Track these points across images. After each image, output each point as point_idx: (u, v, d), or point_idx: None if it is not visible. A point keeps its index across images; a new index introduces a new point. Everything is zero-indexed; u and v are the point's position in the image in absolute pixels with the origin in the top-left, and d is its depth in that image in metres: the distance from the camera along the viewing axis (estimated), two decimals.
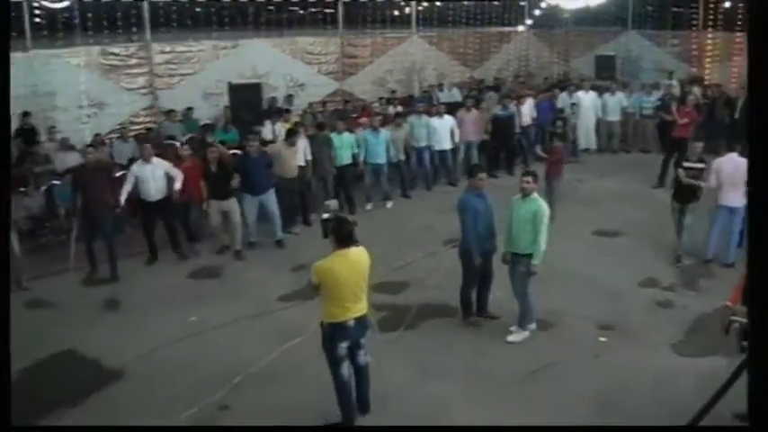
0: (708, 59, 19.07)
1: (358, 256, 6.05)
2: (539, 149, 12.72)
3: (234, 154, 11.57)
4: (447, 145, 13.98)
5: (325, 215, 6.32)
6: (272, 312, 8.71)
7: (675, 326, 8.02)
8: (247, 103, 12.13)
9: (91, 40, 14.51)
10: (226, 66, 15.50)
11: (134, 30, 15.13)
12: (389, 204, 13.14)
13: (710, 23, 19.21)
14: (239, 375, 7.14)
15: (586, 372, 7.12)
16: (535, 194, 7.74)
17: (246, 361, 7.40)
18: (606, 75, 17.57)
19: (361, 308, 6.11)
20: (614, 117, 16.54)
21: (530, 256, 7.59)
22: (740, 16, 18.07)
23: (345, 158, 12.48)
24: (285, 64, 16.32)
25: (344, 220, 6.25)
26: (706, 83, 18.10)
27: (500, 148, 15.06)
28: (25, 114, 13.10)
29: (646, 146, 16.52)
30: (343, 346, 6.08)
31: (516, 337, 7.82)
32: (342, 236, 5.97)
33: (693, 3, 19.22)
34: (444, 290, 8.79)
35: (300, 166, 11.68)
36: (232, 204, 10.67)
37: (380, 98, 16.75)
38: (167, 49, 14.94)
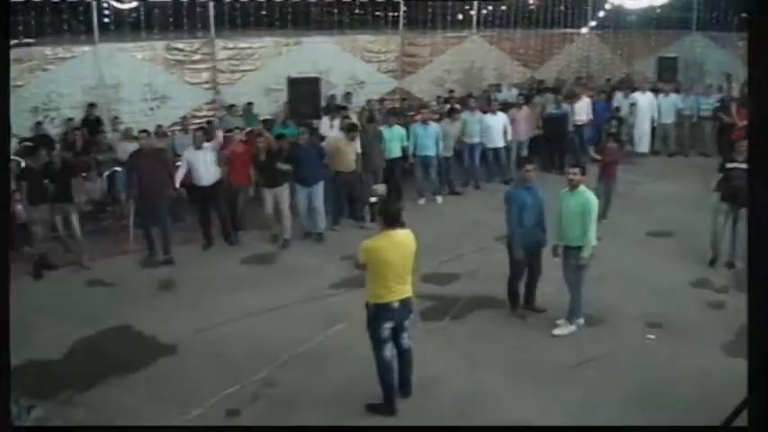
0: None
1: (405, 237, 6.17)
2: (592, 150, 12.63)
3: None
4: (500, 143, 13.99)
5: (373, 199, 6.48)
6: (321, 298, 8.89)
7: (726, 327, 7.84)
8: (306, 97, 12.32)
9: (156, 37, 14.93)
10: (287, 62, 15.71)
11: (198, 27, 15.48)
12: (440, 199, 13.21)
13: None
14: (286, 355, 7.33)
15: (631, 367, 7.08)
16: (583, 187, 7.73)
17: (294, 342, 7.59)
18: (668, 77, 17.28)
19: (406, 290, 6.21)
20: (668, 119, 16.19)
21: (580, 248, 7.61)
22: None
23: (395, 151, 12.56)
24: (345, 62, 16.50)
25: (391, 202, 6.39)
26: None
27: (552, 146, 15.04)
28: (91, 105, 13.59)
29: (704, 149, 16.20)
30: (387, 327, 6.18)
31: (563, 330, 7.82)
32: (389, 216, 6.10)
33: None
34: (493, 283, 8.79)
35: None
36: (282, 192, 10.84)
37: (438, 97, 16.82)
38: (230, 45, 15.27)
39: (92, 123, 13.45)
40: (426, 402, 6.50)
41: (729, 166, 9.39)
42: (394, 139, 12.54)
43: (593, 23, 20.27)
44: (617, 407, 6.38)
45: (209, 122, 13.62)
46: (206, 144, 10.75)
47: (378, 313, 6.14)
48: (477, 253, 10.24)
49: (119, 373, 7.12)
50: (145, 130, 10.91)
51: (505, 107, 14.87)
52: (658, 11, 19.08)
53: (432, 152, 12.87)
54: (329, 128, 13.31)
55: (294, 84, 12.47)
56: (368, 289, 6.21)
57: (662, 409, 6.29)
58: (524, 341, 7.68)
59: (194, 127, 13.68)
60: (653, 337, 7.76)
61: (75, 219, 9.90)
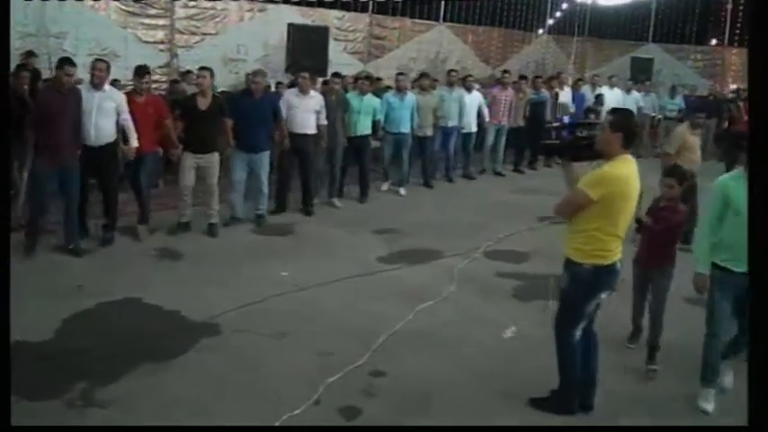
0: (732, 75, 18.07)
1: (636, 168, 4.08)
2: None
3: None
4: (473, 127, 11.57)
5: (555, 122, 4.42)
6: (379, 272, 6.75)
7: None
8: (310, 48, 9.63)
9: None
10: (250, 29, 13.52)
11: None
12: (403, 191, 10.40)
13: (736, 39, 18.27)
14: (381, 336, 5.17)
15: None
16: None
17: (380, 320, 5.46)
18: (643, 78, 16.05)
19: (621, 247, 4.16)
20: None
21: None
22: None
23: (364, 127, 9.66)
24: None
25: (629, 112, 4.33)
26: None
27: (530, 138, 12.30)
28: (29, 54, 10.87)
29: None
30: (603, 298, 4.16)
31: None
32: (631, 131, 4.05)
33: (717, 16, 18.32)
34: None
35: (313, 134, 8.75)
36: (210, 161, 7.66)
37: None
38: (190, 3, 12.83)
39: (30, 73, 10.68)
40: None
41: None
42: (362, 111, 9.60)
43: (549, 23, 19.14)
44: None
45: (174, 81, 11.18)
46: (107, 87, 7.10)
47: (597, 279, 4.05)
48: (529, 232, 8.43)
49: (151, 358, 4.73)
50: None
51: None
52: (613, 18, 18.11)
53: (406, 129, 10.23)
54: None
55: (297, 31, 9.81)
56: (581, 243, 4.04)
57: None
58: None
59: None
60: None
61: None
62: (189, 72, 12.27)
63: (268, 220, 8.31)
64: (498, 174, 12.16)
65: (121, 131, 7.07)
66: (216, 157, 7.74)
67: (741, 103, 12.87)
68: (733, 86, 15.34)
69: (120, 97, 7.10)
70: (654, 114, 15.26)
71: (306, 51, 9.41)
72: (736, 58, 18.39)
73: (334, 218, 8.76)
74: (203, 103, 7.57)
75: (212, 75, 7.98)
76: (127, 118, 7.02)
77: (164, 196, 8.70)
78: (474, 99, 11.55)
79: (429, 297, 6.01)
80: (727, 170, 7.08)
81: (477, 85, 12.24)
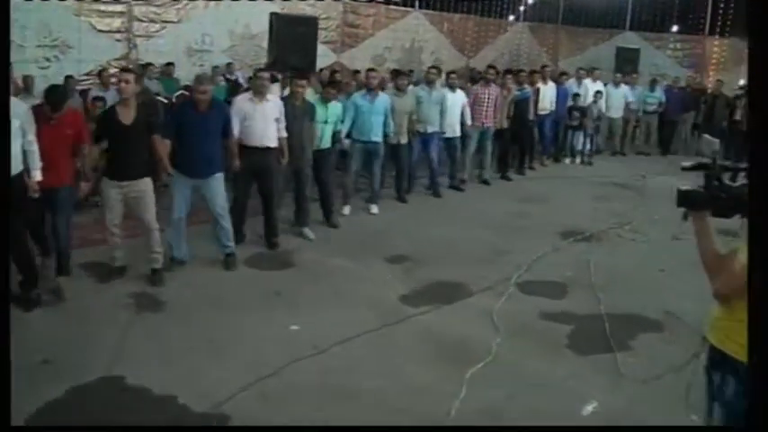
0: (713, 66, 17.31)
1: None
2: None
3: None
4: (457, 131, 10.06)
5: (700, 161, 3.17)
6: (405, 320, 5.54)
7: None
8: (297, 43, 7.99)
9: None
10: (215, 18, 12.26)
11: None
12: (375, 209, 8.80)
13: (718, 28, 17.53)
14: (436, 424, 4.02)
15: None
16: None
17: (426, 398, 4.31)
18: (629, 69, 14.95)
19: None
20: (617, 113, 13.73)
21: None
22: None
23: (326, 139, 7.95)
24: None
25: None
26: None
27: (514, 139, 11.34)
28: None
29: (646, 148, 14.41)
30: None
31: None
32: None
33: (700, 7, 17.52)
34: (615, 295, 6.11)
35: (275, 148, 7.05)
36: (142, 189, 5.91)
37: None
38: None
39: None
40: None
41: None
42: (328, 121, 7.94)
43: (521, 11, 18.12)
44: None
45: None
46: (13, 99, 4.97)
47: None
48: (555, 254, 7.36)
49: None
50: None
51: None
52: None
53: (378, 137, 8.58)
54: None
55: (282, 22, 8.18)
56: (733, 333, 2.82)
57: None
58: None
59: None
60: None
61: None
62: (149, 65, 10.95)
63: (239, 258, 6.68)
64: (485, 182, 10.79)
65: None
66: (147, 184, 5.95)
67: None
68: (741, 82, 14.47)
69: (25, 111, 5.21)
70: (636, 109, 14.24)
71: (292, 46, 7.89)
72: (718, 48, 17.70)
73: (332, 244, 7.42)
74: (126, 117, 5.77)
75: (137, 78, 6.26)
76: (32, 140, 5.21)
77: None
78: (458, 99, 10.00)
79: (475, 355, 4.87)
80: None
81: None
